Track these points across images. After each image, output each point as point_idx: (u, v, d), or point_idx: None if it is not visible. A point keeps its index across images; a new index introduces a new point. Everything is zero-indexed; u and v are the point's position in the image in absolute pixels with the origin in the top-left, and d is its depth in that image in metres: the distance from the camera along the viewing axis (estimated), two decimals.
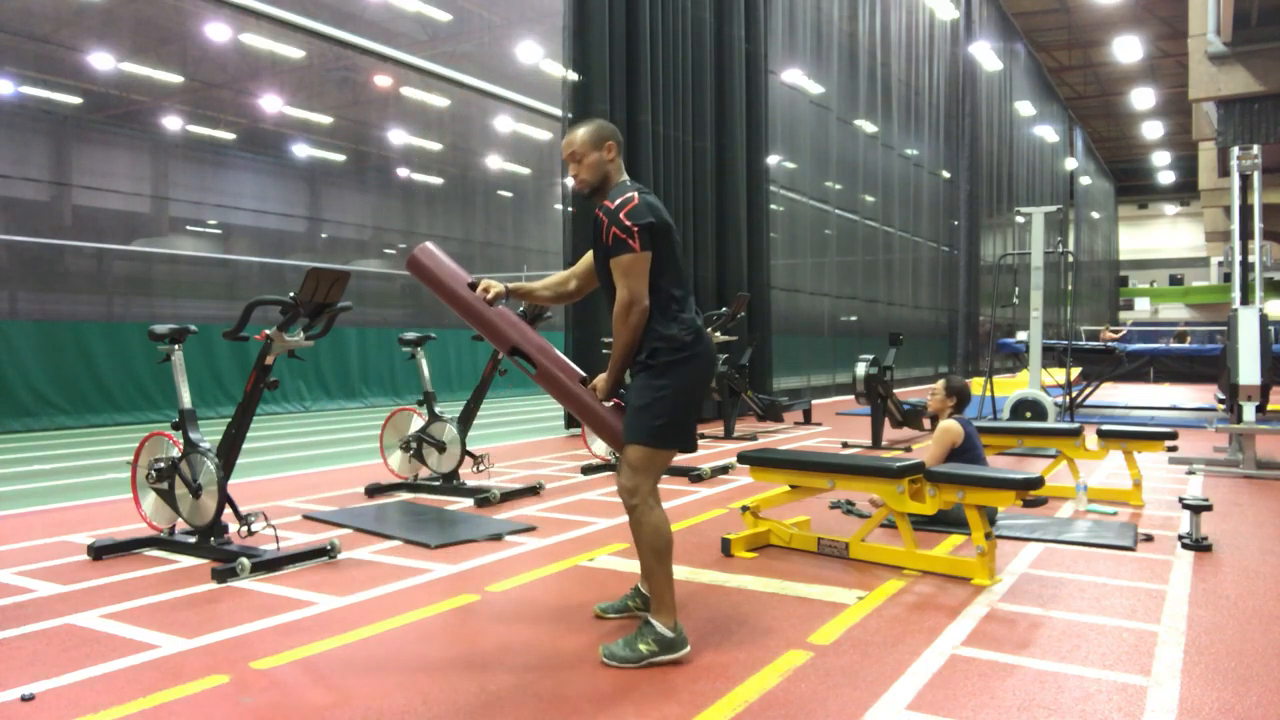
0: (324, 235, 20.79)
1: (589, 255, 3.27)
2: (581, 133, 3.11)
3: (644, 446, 2.98)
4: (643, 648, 2.90)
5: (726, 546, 4.37)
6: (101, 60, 15.63)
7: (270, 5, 14.86)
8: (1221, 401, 9.91)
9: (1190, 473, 6.96)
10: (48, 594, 3.74)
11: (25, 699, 2.66)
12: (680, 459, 7.75)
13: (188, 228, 18.32)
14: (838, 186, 17.96)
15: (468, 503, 5.68)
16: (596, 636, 3.21)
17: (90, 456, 8.33)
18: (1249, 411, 6.79)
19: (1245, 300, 7.37)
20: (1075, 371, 11.30)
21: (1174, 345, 16.92)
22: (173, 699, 2.66)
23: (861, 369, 8.69)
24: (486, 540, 4.66)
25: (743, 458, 4.60)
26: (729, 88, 12.26)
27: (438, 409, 6.10)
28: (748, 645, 3.09)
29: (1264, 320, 7.01)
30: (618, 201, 2.99)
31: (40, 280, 14.25)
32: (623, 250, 2.95)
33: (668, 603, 2.96)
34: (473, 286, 3.22)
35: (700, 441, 9.21)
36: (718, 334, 8.67)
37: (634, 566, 4.14)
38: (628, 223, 2.93)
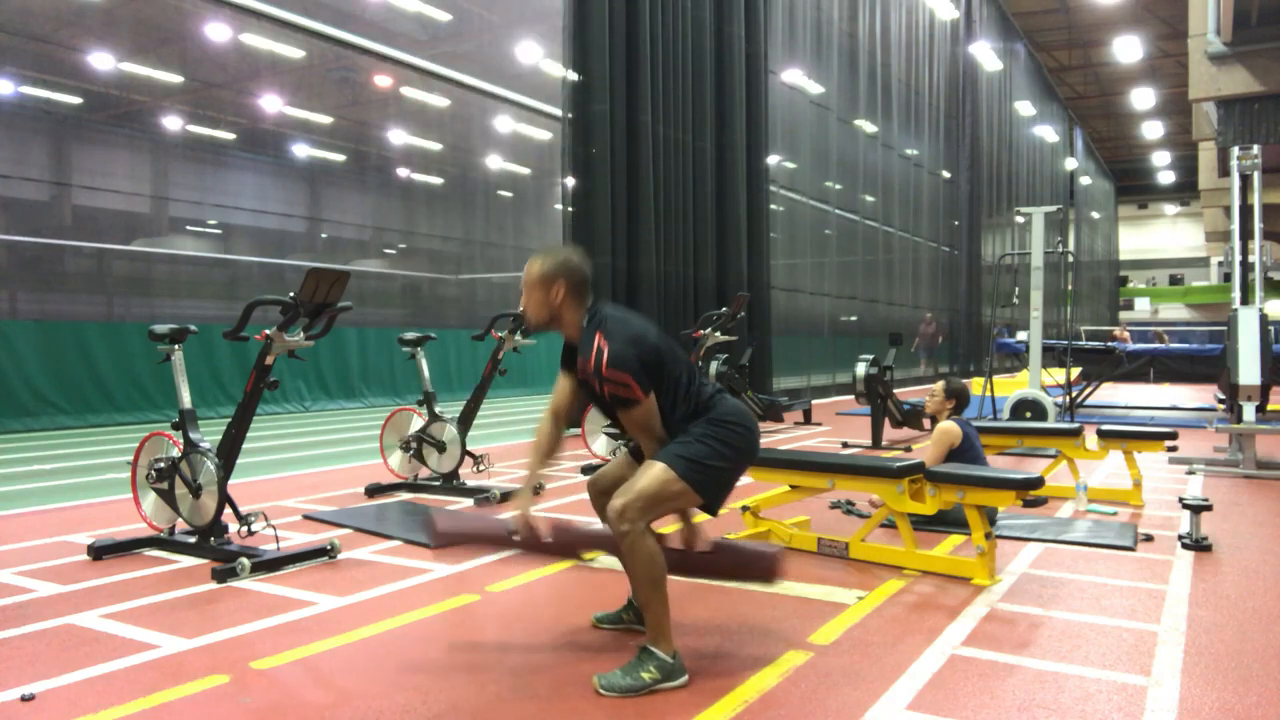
0: (324, 235, 20.80)
1: (562, 385, 3.06)
2: (534, 268, 2.91)
3: (671, 472, 2.76)
4: (645, 676, 2.70)
5: None
6: (101, 60, 15.64)
7: (270, 5, 14.85)
8: (1221, 401, 9.90)
9: (1190, 473, 6.96)
10: (48, 594, 3.74)
11: (25, 699, 2.66)
12: None
13: (188, 228, 18.33)
14: (838, 186, 17.96)
15: (468, 503, 5.68)
16: (597, 637, 3.21)
17: (90, 456, 8.32)
18: (1249, 411, 6.78)
19: (1245, 300, 7.37)
20: (1075, 371, 11.29)
21: (1157, 345, 17.00)
22: (173, 699, 2.66)
23: (861, 369, 8.69)
24: None
25: None
26: (729, 88, 12.26)
27: (438, 409, 6.10)
28: (748, 645, 3.09)
29: (1264, 320, 7.02)
30: (593, 353, 2.76)
31: (40, 280, 14.25)
32: (629, 405, 2.79)
33: (666, 630, 2.76)
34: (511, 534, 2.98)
35: None
36: (717, 334, 8.63)
37: None
38: (619, 376, 2.73)
